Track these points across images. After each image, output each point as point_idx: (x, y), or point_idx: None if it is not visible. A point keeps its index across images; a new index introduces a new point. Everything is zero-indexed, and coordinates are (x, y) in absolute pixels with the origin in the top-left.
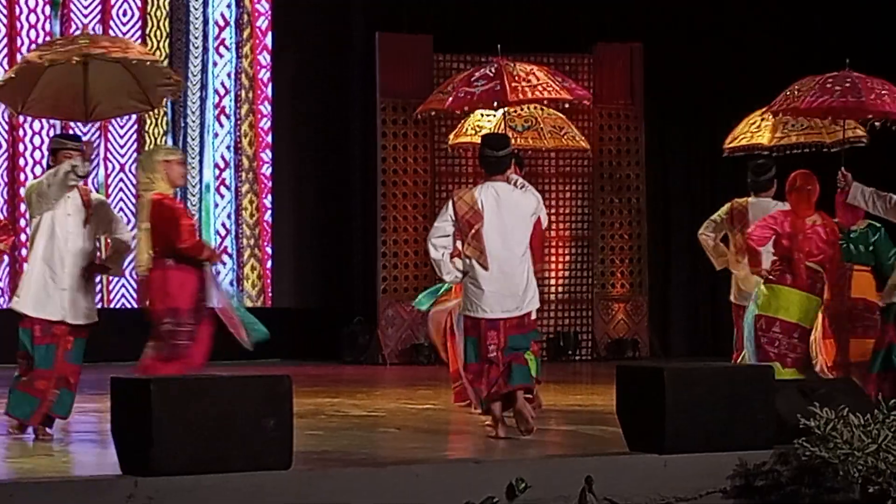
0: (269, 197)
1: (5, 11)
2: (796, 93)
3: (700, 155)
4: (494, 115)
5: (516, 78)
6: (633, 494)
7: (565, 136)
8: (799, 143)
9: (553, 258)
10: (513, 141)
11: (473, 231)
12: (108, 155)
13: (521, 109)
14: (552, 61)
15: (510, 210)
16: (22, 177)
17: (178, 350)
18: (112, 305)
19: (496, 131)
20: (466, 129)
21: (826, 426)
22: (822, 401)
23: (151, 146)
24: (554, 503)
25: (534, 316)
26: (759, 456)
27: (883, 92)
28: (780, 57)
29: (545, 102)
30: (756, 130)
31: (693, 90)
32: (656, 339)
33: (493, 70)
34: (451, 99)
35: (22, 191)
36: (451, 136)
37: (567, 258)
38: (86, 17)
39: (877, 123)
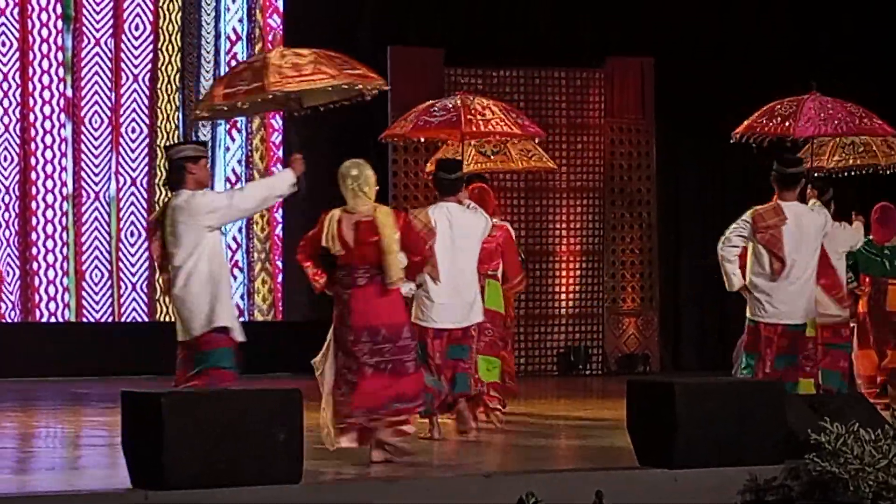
0: (280, 211)
1: (18, 26)
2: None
3: (711, 169)
4: (470, 143)
5: (472, 111)
6: None
7: (532, 159)
8: (856, 166)
9: (563, 272)
10: (483, 164)
11: (427, 247)
12: (120, 169)
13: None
14: (563, 76)
15: (461, 229)
16: (34, 190)
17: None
18: (123, 319)
19: (465, 156)
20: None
21: (837, 441)
22: (833, 416)
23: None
24: None
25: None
26: (770, 471)
27: (863, 116)
28: (789, 72)
29: (497, 137)
30: (815, 156)
31: (704, 105)
32: (667, 353)
33: (452, 103)
34: (410, 126)
35: (35, 204)
36: (428, 165)
37: (577, 272)
38: (98, 31)
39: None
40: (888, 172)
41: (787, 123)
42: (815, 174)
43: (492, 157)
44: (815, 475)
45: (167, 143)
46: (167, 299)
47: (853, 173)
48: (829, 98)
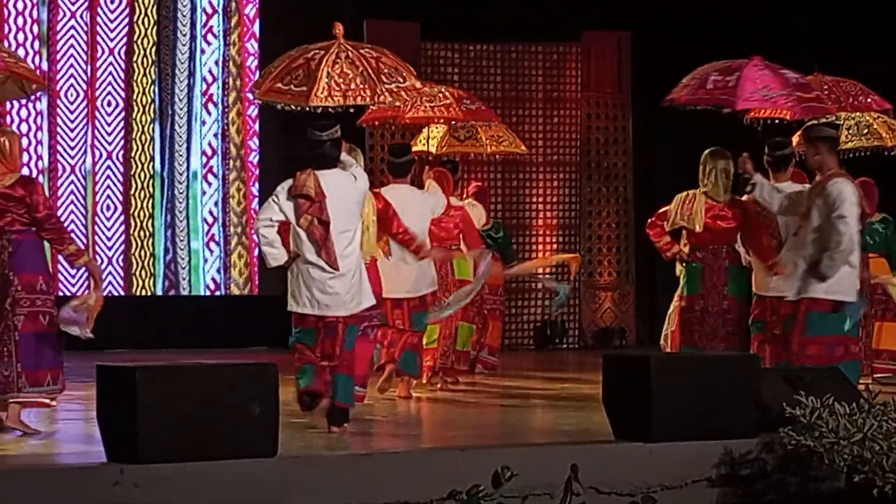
0: (257, 185)
1: None
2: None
3: (687, 144)
4: (442, 127)
5: (434, 97)
6: (619, 483)
7: (503, 144)
8: (861, 147)
9: (540, 246)
10: (455, 148)
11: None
12: (96, 142)
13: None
14: (540, 50)
15: (410, 207)
16: None
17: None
18: None
19: (442, 140)
20: (420, 139)
21: (812, 415)
22: (808, 389)
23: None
24: (540, 491)
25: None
26: (745, 444)
27: (858, 94)
28: (765, 49)
29: (439, 121)
30: None
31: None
32: (643, 327)
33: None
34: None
35: None
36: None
37: (554, 246)
38: (73, 4)
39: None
40: (894, 153)
41: (725, 95)
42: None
43: (464, 141)
44: (789, 449)
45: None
46: (144, 273)
47: (859, 154)
48: (774, 68)
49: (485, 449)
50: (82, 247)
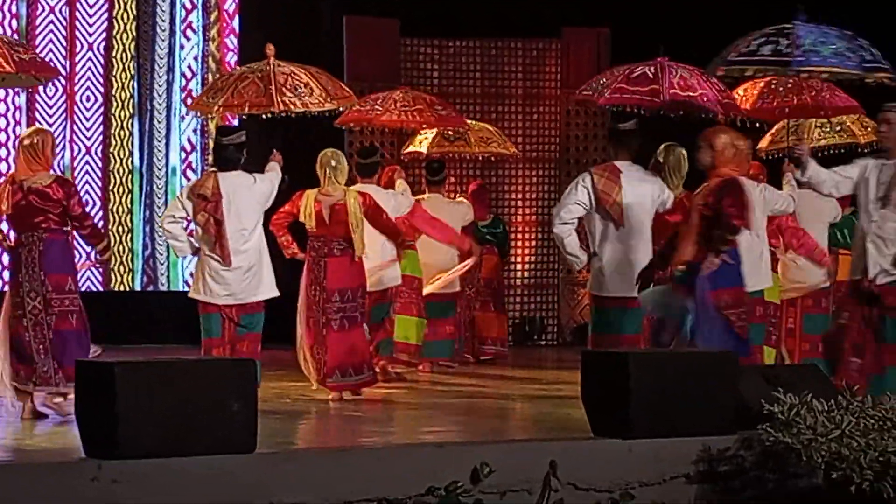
0: None
1: None
2: (741, 94)
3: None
4: (433, 129)
5: (408, 103)
6: (598, 479)
7: (491, 145)
8: (834, 144)
9: (519, 243)
10: (445, 148)
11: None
12: (74, 137)
13: None
14: (520, 46)
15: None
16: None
17: None
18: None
19: (433, 141)
20: (415, 141)
21: (790, 412)
22: (786, 386)
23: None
24: (518, 487)
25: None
26: (723, 441)
27: (823, 90)
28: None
29: (410, 125)
30: (794, 132)
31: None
32: None
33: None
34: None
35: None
36: (403, 147)
37: (533, 243)
38: None
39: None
40: (866, 151)
41: (650, 96)
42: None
43: (454, 142)
44: (768, 445)
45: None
46: (122, 269)
47: (832, 151)
48: (685, 68)
49: (463, 445)
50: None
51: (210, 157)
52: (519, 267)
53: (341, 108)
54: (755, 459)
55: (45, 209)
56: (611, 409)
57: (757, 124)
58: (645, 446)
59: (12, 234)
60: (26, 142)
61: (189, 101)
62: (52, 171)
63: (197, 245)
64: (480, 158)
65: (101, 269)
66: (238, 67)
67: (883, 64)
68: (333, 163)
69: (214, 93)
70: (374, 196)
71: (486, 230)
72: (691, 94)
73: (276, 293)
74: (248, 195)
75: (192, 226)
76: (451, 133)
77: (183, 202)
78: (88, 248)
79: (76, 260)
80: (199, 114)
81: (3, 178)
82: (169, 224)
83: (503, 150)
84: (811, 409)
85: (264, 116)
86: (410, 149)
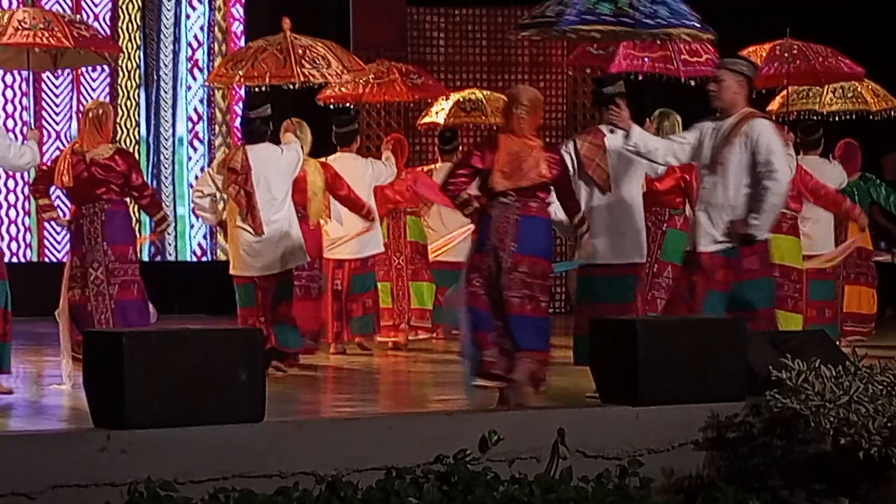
0: None
1: None
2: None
3: (675, 107)
4: (451, 100)
5: (381, 75)
6: (606, 446)
7: None
8: (846, 111)
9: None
10: (461, 118)
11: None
12: (81, 108)
13: (472, 94)
14: (526, 14)
15: (354, 175)
16: None
17: None
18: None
19: (450, 111)
20: (432, 112)
21: (798, 378)
22: (794, 353)
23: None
24: (526, 455)
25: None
26: (731, 408)
27: (828, 56)
28: (754, 13)
29: (383, 99)
30: (806, 97)
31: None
32: None
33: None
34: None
35: None
36: (420, 118)
37: None
38: None
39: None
40: (877, 118)
41: (663, 62)
42: (812, 117)
43: (470, 112)
44: (776, 412)
45: None
46: None
47: (844, 117)
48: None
49: (472, 413)
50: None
51: (217, 127)
52: None
53: (359, 80)
54: (763, 426)
55: (107, 180)
56: (619, 376)
57: (763, 91)
58: (653, 413)
59: (62, 210)
60: (91, 114)
61: (196, 71)
62: (116, 144)
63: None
64: (495, 128)
65: (158, 242)
66: (254, 41)
67: (687, 21)
68: (298, 133)
69: (234, 64)
70: (352, 164)
71: None
72: (699, 59)
73: (306, 259)
74: (275, 166)
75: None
76: (467, 103)
77: (213, 176)
78: (150, 221)
79: (136, 231)
80: (217, 85)
81: (61, 151)
82: (197, 198)
83: None
84: (819, 375)
85: (285, 87)
86: (426, 119)
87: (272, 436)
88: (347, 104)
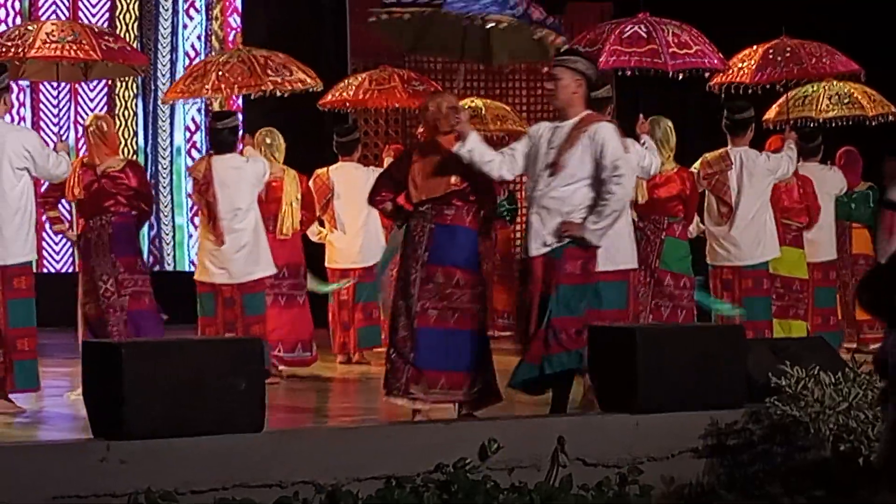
0: None
1: None
2: (739, 65)
3: (670, 113)
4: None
5: (383, 81)
6: (606, 454)
7: (507, 122)
8: (843, 116)
9: (523, 217)
10: None
11: (325, 201)
12: (79, 118)
13: (472, 102)
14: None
15: (356, 184)
16: None
17: None
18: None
19: None
20: None
21: (797, 385)
22: (793, 359)
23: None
24: (526, 463)
25: None
26: (731, 415)
27: (823, 55)
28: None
29: (384, 106)
30: (802, 104)
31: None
32: None
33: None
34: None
35: None
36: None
37: None
38: None
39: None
40: (874, 123)
41: (650, 56)
42: (809, 124)
43: (470, 119)
44: (775, 419)
45: None
46: None
47: (840, 123)
48: (671, 24)
49: (471, 422)
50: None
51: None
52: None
53: (319, 89)
54: (763, 433)
55: (115, 193)
56: (618, 383)
57: (760, 91)
58: (653, 421)
59: (69, 224)
60: (92, 128)
61: None
62: (119, 156)
63: None
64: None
65: (157, 251)
66: (209, 57)
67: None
68: (269, 140)
69: (194, 79)
70: (353, 173)
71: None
72: (688, 51)
73: (273, 271)
74: (239, 177)
75: None
76: (467, 110)
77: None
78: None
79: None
80: (184, 100)
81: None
82: None
83: (518, 128)
84: (819, 381)
85: (252, 97)
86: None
87: (272, 445)
88: (348, 110)
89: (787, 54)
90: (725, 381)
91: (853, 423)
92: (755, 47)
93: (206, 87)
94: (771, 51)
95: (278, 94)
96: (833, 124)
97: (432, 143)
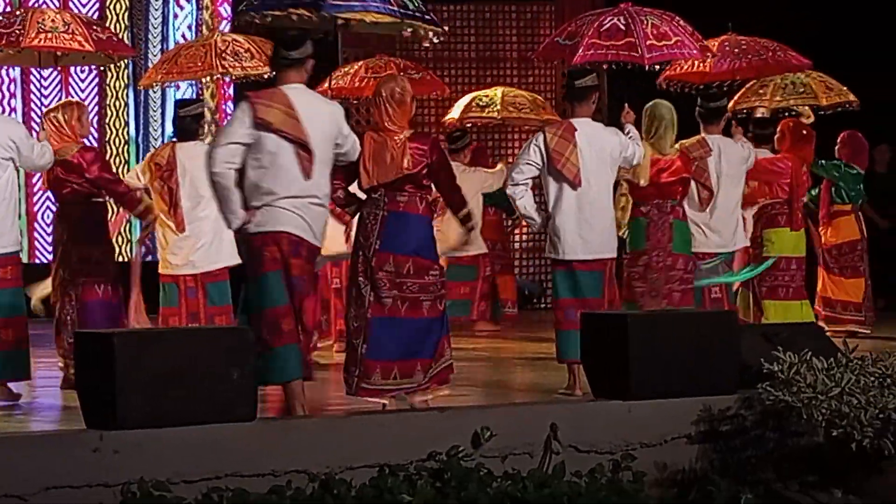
0: None
1: None
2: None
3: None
4: (468, 96)
5: (379, 70)
6: (598, 441)
7: (522, 111)
8: (791, 107)
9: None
10: (477, 114)
11: None
12: None
13: (488, 91)
14: (514, 9)
15: None
16: None
17: None
18: None
19: (466, 108)
20: (451, 109)
21: (790, 370)
22: (786, 345)
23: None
24: (519, 451)
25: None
26: (724, 401)
27: (777, 49)
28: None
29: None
30: (756, 95)
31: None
32: (621, 286)
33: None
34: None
35: None
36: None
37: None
38: None
39: None
40: (828, 112)
41: (627, 49)
42: (758, 114)
43: (483, 108)
44: (768, 404)
45: None
46: (118, 239)
47: (793, 112)
48: (652, 13)
49: (464, 409)
50: (153, 205)
51: (206, 126)
52: (517, 231)
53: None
54: (756, 419)
55: (68, 180)
56: (611, 370)
57: (735, 84)
58: (645, 407)
59: (51, 210)
60: (51, 115)
61: None
62: (83, 141)
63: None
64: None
65: (149, 241)
66: (184, 42)
67: (425, 16)
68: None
69: (161, 65)
70: None
71: (498, 193)
72: (667, 42)
73: (236, 261)
74: (202, 164)
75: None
76: (484, 99)
77: (139, 173)
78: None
79: (112, 232)
80: (150, 86)
81: None
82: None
83: (535, 116)
84: (811, 367)
85: (203, 81)
86: (448, 116)
87: (264, 435)
88: (344, 98)
89: (744, 46)
90: (718, 367)
91: (846, 409)
92: (709, 41)
93: (173, 72)
94: (726, 43)
95: (227, 78)
96: (787, 113)
97: (384, 129)
